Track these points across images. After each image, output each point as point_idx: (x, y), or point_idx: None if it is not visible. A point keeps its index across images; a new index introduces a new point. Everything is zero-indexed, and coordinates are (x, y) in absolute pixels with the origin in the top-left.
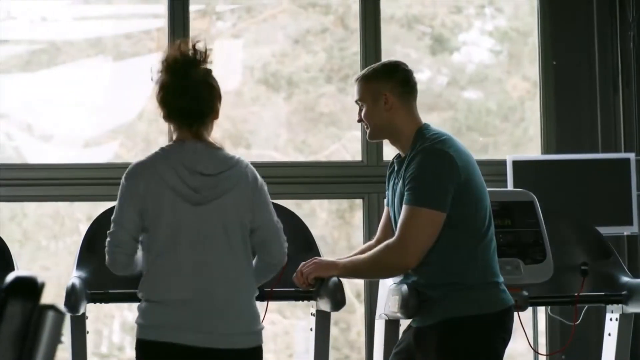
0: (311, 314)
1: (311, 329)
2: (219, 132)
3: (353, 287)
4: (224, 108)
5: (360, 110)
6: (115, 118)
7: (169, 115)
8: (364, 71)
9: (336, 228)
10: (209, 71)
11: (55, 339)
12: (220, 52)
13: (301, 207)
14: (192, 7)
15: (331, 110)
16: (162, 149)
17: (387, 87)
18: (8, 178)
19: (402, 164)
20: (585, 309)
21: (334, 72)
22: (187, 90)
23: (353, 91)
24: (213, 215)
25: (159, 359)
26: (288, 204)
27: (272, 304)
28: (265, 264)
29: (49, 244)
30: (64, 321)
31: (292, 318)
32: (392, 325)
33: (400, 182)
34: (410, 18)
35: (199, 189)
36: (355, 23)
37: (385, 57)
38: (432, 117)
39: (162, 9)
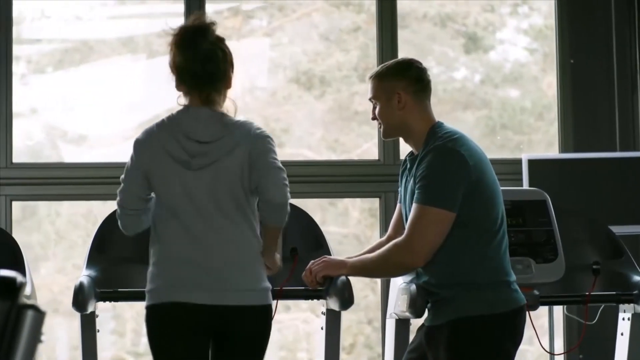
0: (322, 313)
1: (322, 328)
2: None
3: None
4: (257, 107)
5: (374, 108)
6: (148, 116)
7: (180, 80)
8: (377, 69)
9: (368, 227)
10: (221, 38)
11: (35, 339)
12: (253, 51)
13: (335, 206)
14: (224, 6)
15: (365, 109)
16: (168, 116)
17: (400, 86)
18: (41, 177)
19: (415, 161)
20: (601, 308)
21: (367, 70)
22: (198, 53)
23: (367, 89)
24: (207, 181)
25: (170, 319)
26: (311, 202)
27: (304, 303)
28: (265, 204)
29: (83, 243)
30: (44, 321)
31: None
32: (402, 324)
33: (412, 180)
34: (444, 17)
35: (194, 154)
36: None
37: (421, 57)
38: (466, 116)
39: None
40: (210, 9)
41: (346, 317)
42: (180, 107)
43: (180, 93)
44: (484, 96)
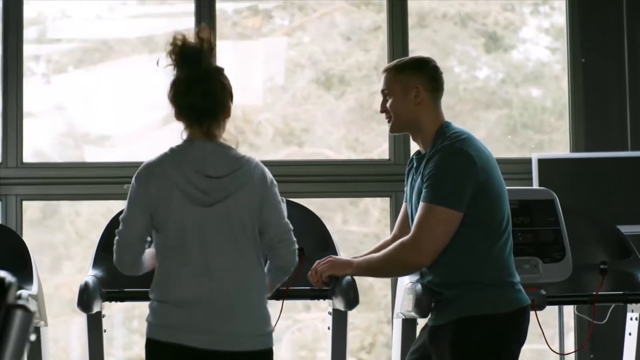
0: (328, 313)
1: (328, 328)
2: (271, 130)
3: None
4: (277, 106)
5: (385, 100)
6: (168, 115)
7: (179, 113)
8: (394, 62)
9: (388, 226)
10: (220, 69)
11: (23, 338)
12: (272, 50)
13: (356, 206)
14: (244, 5)
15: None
16: (172, 149)
17: (419, 81)
18: (51, 177)
19: (422, 160)
20: (612, 308)
21: None
22: (198, 87)
23: (380, 80)
24: (221, 216)
25: (167, 359)
26: (332, 202)
27: (324, 302)
28: (275, 267)
29: None
30: (32, 321)
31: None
32: (408, 324)
33: (419, 179)
34: (464, 16)
35: (207, 191)
36: (411, 20)
37: (443, 56)
38: (487, 115)
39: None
40: (230, 8)
41: (366, 316)
42: (181, 142)
43: (183, 127)
44: (505, 95)
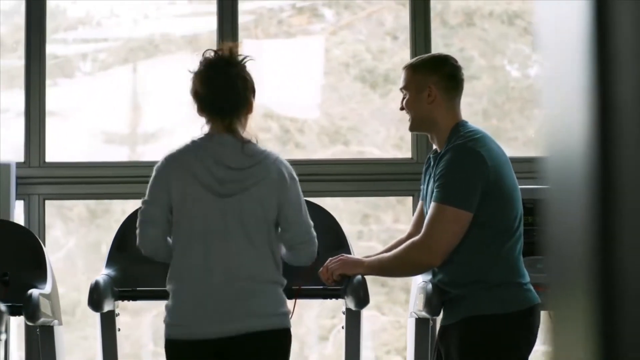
0: (342, 312)
1: (342, 327)
2: (316, 129)
3: None
4: (322, 105)
5: (404, 98)
6: None
7: (202, 108)
8: (412, 60)
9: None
10: (243, 66)
11: None
12: (318, 49)
13: (403, 204)
14: (287, 3)
15: None
16: (192, 141)
17: (432, 80)
18: (74, 176)
19: (437, 159)
20: None
21: None
22: (220, 82)
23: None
24: (235, 208)
25: (188, 357)
26: (382, 201)
27: (370, 300)
28: (294, 260)
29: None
30: (4, 319)
31: (390, 315)
32: (421, 323)
33: (433, 178)
34: (511, 14)
35: (223, 181)
36: (454, 19)
37: (493, 54)
38: (537, 114)
39: (257, 5)
40: (272, 5)
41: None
42: (202, 135)
43: (204, 121)
44: None
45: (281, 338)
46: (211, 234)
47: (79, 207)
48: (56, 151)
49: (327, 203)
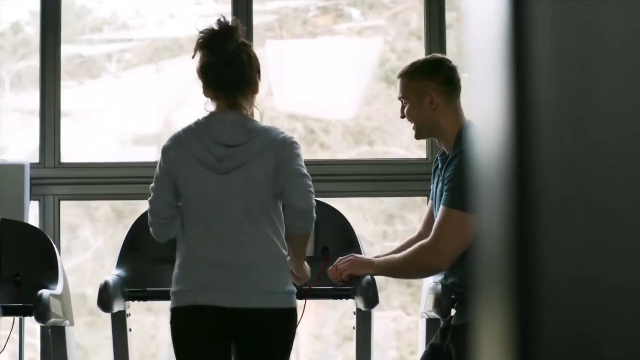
0: (353, 312)
1: (353, 328)
2: (341, 129)
3: None
4: (347, 105)
5: (403, 107)
6: None
7: (207, 86)
8: (406, 68)
9: None
10: (247, 44)
11: None
12: (342, 49)
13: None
14: (313, 2)
15: None
16: (196, 121)
17: (432, 86)
18: (89, 176)
19: (445, 162)
20: None
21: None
22: (224, 59)
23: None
24: (234, 184)
25: (193, 322)
26: (409, 201)
27: (396, 300)
28: (290, 211)
29: None
30: None
31: (415, 315)
32: (432, 324)
33: (440, 181)
34: None
35: (221, 158)
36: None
37: None
38: None
39: (282, 4)
40: (297, 5)
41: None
42: (207, 113)
43: (208, 99)
44: None
45: (287, 317)
46: (212, 211)
47: (104, 207)
48: (82, 151)
49: (352, 203)
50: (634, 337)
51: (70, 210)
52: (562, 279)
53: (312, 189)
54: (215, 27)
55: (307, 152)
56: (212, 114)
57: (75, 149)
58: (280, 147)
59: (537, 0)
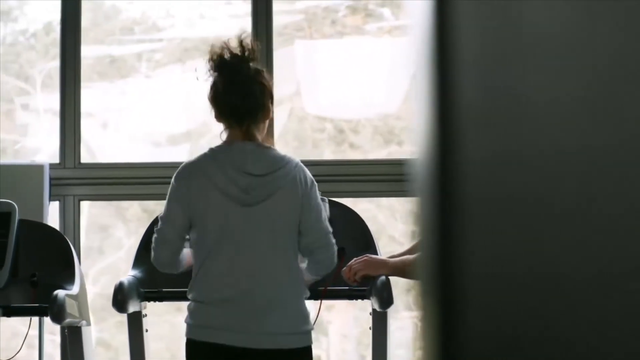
0: (369, 313)
1: (370, 328)
2: (370, 129)
3: None
4: (377, 105)
5: None
6: None
7: (219, 114)
8: None
9: None
10: (260, 70)
11: None
12: (372, 49)
13: None
14: (343, 3)
15: None
16: (211, 149)
17: None
18: (108, 177)
19: None
20: None
21: None
22: (237, 87)
23: None
24: (261, 216)
25: (206, 358)
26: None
27: None
28: (314, 267)
29: None
30: None
31: None
32: None
33: None
34: None
35: (248, 189)
36: None
37: None
38: None
39: (311, 4)
40: (327, 4)
41: None
42: (221, 143)
43: (223, 128)
44: None
45: (301, 356)
46: (235, 245)
47: (134, 207)
48: (112, 151)
49: (382, 203)
50: (556, 334)
51: (102, 211)
52: (486, 278)
53: (335, 248)
54: (228, 54)
55: (337, 152)
56: (229, 142)
57: (107, 148)
58: (305, 187)
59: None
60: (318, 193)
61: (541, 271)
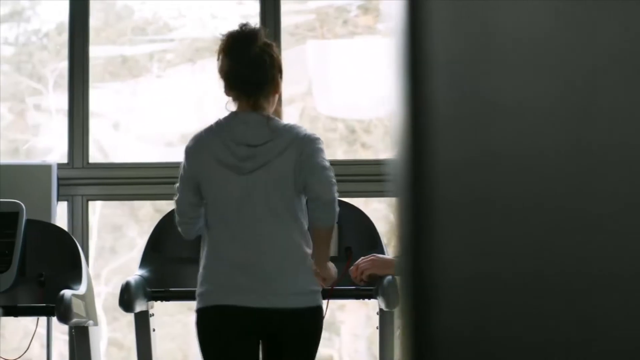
0: (376, 313)
1: (377, 327)
2: (382, 129)
3: None
4: (386, 105)
5: None
6: None
7: (229, 87)
8: None
9: None
10: (269, 43)
11: None
12: (383, 49)
13: None
14: (355, 3)
15: None
16: (217, 122)
17: None
18: (116, 177)
19: None
20: None
21: None
22: (246, 59)
23: None
24: (259, 184)
25: (218, 322)
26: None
27: None
28: (312, 202)
29: None
30: None
31: None
32: None
33: None
34: None
35: (244, 158)
36: None
37: None
38: None
39: (323, 3)
40: (338, 4)
41: None
42: (228, 113)
43: (229, 98)
44: None
45: (312, 315)
46: (236, 212)
47: (146, 207)
48: (124, 151)
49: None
50: (530, 333)
51: (115, 211)
52: (458, 278)
53: (334, 181)
54: (238, 29)
55: (349, 152)
56: (233, 114)
57: (119, 148)
58: (302, 143)
59: (434, 0)
60: (321, 147)
61: (513, 271)
